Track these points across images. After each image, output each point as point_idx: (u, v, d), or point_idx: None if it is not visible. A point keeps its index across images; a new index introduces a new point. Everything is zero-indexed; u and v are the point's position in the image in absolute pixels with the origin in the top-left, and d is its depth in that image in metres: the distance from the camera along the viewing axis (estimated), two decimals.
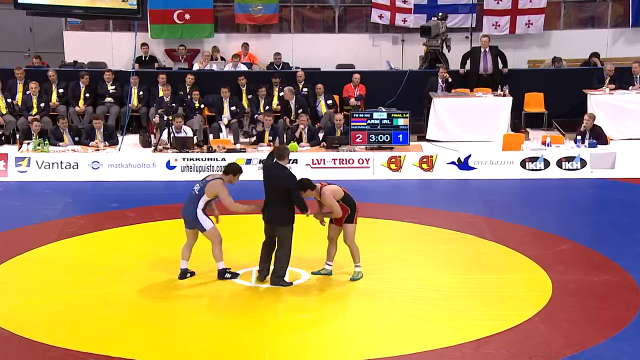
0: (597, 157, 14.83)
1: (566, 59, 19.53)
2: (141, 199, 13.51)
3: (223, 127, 16.99)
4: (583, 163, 14.79)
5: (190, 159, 14.82)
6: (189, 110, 17.11)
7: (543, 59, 20.19)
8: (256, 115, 16.96)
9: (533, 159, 14.82)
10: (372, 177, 14.76)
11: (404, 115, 15.21)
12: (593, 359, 8.10)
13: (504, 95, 17.07)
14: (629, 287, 9.74)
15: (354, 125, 15.16)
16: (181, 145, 15.05)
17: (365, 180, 14.57)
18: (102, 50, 20.27)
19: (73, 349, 8.30)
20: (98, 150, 15.22)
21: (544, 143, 15.14)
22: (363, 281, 9.92)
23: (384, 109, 15.78)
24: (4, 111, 17.15)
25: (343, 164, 14.85)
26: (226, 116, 17.10)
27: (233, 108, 17.15)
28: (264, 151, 14.98)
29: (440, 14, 18.82)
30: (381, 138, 15.12)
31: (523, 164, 14.84)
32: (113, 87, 17.72)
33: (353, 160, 14.87)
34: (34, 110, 17.06)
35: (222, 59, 19.88)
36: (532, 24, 20.15)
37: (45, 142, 15.04)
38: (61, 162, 14.83)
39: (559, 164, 14.81)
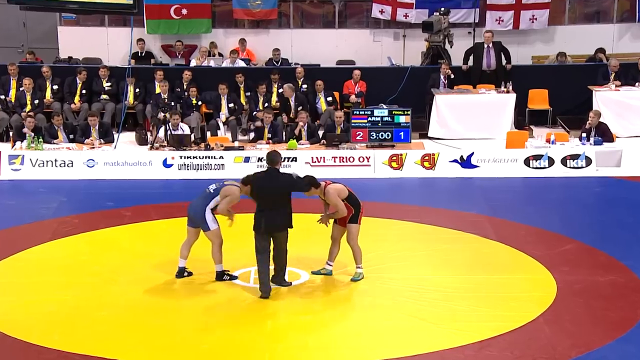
0: (603, 155, 14.83)
1: (571, 55, 19.53)
2: (137, 198, 13.50)
3: (221, 125, 16.99)
4: (588, 161, 14.79)
5: (188, 157, 14.82)
6: (186, 107, 17.11)
7: (547, 54, 20.18)
8: (255, 113, 16.96)
9: (537, 157, 14.83)
10: (372, 176, 14.76)
11: (406, 112, 15.22)
12: None
13: (508, 91, 17.08)
14: (635, 287, 9.74)
15: (355, 123, 15.16)
16: (178, 143, 15.05)
17: (366, 178, 14.57)
18: (97, 46, 20.26)
19: (68, 351, 8.30)
20: (93, 148, 15.21)
21: (548, 141, 15.14)
22: (363, 282, 9.93)
23: (385, 106, 15.77)
24: None
25: (343, 162, 14.86)
26: (224, 113, 17.10)
27: (231, 105, 17.16)
28: (262, 149, 14.99)
29: (442, 8, 18.81)
30: (382, 136, 15.12)
31: (527, 162, 14.84)
32: (109, 83, 17.71)
33: (353, 159, 14.87)
34: (28, 107, 17.06)
35: (220, 55, 19.87)
36: (536, 19, 20.15)
37: (40, 140, 15.04)
38: (55, 160, 14.84)
39: (564, 162, 14.81)
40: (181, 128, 15.46)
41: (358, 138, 15.14)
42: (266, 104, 17.22)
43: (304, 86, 17.79)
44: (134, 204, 13.17)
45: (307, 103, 17.29)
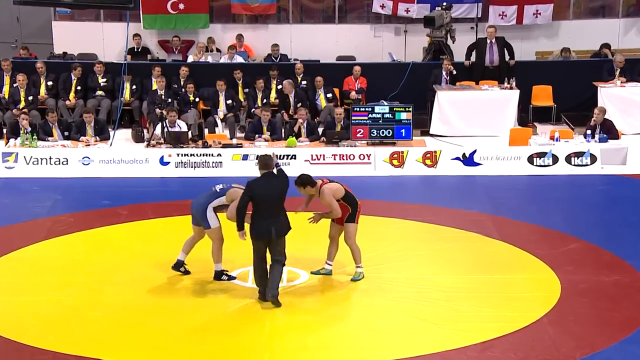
0: (608, 153, 14.83)
1: (576, 50, 19.52)
2: (134, 196, 13.51)
3: (219, 122, 16.99)
4: (593, 159, 14.80)
5: (185, 155, 14.83)
6: (183, 103, 17.11)
7: (551, 50, 20.18)
8: (253, 110, 16.96)
9: (541, 155, 14.83)
10: (373, 174, 14.77)
11: (407, 109, 15.21)
12: None
13: (511, 88, 17.08)
14: None
15: (355, 120, 15.16)
16: (175, 140, 15.05)
17: (367, 176, 14.58)
18: (93, 42, 20.24)
19: (63, 352, 8.31)
20: (89, 145, 15.21)
21: (552, 138, 15.15)
22: (364, 281, 9.94)
23: (385, 103, 15.77)
24: None
25: (343, 159, 14.86)
26: (222, 110, 17.10)
27: (229, 102, 17.16)
28: (261, 146, 15.01)
29: (444, 3, 18.79)
30: (383, 133, 15.13)
31: (530, 159, 14.85)
32: (104, 79, 17.71)
33: (354, 156, 14.88)
34: (22, 104, 17.05)
35: (218, 50, 19.86)
36: (540, 13, 20.14)
37: (34, 137, 15.05)
38: (50, 158, 14.84)
39: (568, 159, 14.82)
40: (178, 125, 15.46)
41: (358, 135, 15.15)
42: (264, 101, 17.22)
43: (304, 82, 17.79)
44: (130, 202, 13.17)
45: (307, 100, 17.29)
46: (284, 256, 9.41)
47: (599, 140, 15.03)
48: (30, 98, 17.14)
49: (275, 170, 9.42)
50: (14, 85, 17.27)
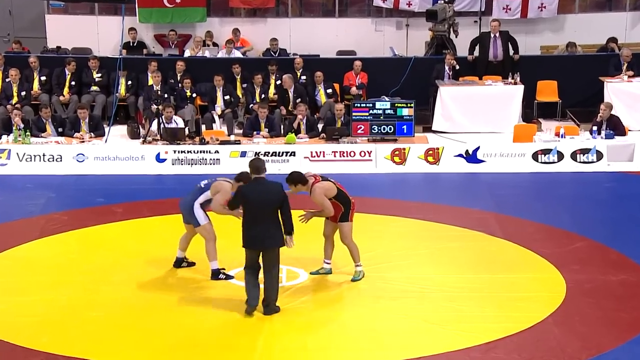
0: (614, 149, 14.84)
1: (581, 45, 19.52)
2: (129, 194, 13.52)
3: (216, 118, 16.99)
4: (599, 155, 14.81)
5: (182, 152, 14.83)
6: (180, 99, 17.11)
7: (557, 44, 20.17)
8: (251, 105, 16.96)
9: (546, 151, 14.84)
10: (374, 171, 14.77)
11: (409, 104, 15.22)
12: None
13: (515, 83, 17.08)
14: None
15: (356, 116, 15.16)
16: (172, 136, 15.05)
17: (367, 174, 14.59)
18: (87, 36, 20.24)
19: (57, 354, 8.32)
20: (83, 141, 15.22)
21: (557, 134, 15.15)
22: (364, 281, 9.94)
23: (387, 98, 15.78)
24: None
25: (344, 156, 14.87)
26: (219, 106, 17.10)
27: (227, 97, 17.16)
28: (259, 143, 15.01)
29: None
30: (384, 129, 15.13)
31: (535, 156, 14.85)
32: (99, 74, 17.71)
33: (354, 153, 14.88)
34: (14, 99, 17.05)
35: (215, 44, 19.86)
36: (545, 7, 20.13)
37: (27, 133, 15.04)
38: (44, 155, 14.84)
39: (574, 156, 14.82)
40: (175, 121, 15.46)
41: (359, 132, 15.15)
42: (263, 96, 17.22)
43: (303, 77, 17.78)
44: (126, 200, 13.18)
45: (306, 95, 17.29)
46: (277, 268, 9.16)
47: (605, 136, 15.03)
48: (23, 93, 17.14)
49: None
50: (7, 80, 17.27)
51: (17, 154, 14.79)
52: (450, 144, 15.27)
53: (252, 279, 9.17)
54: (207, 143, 14.99)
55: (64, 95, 17.49)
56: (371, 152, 14.88)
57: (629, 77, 17.22)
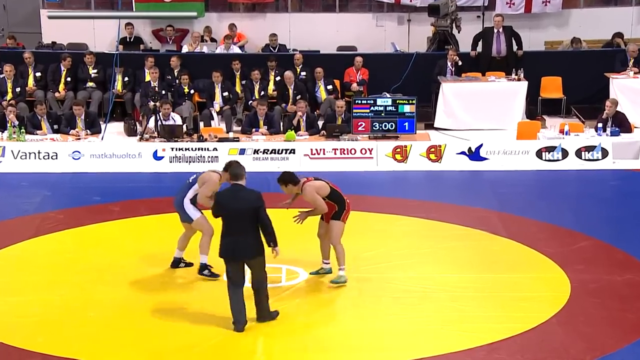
0: (620, 147, 14.84)
1: (586, 40, 19.51)
2: (126, 192, 13.53)
3: (214, 115, 16.99)
4: (604, 153, 14.81)
5: (179, 149, 14.83)
6: (177, 96, 17.12)
7: (561, 40, 20.18)
8: (250, 102, 16.97)
9: (550, 149, 14.84)
10: (375, 169, 14.78)
11: (410, 101, 15.23)
12: None
13: (519, 79, 17.08)
14: None
15: (356, 113, 15.17)
16: (169, 133, 15.06)
17: (368, 171, 14.59)
18: (83, 31, 20.22)
19: (52, 354, 8.32)
20: (79, 139, 15.22)
21: (561, 131, 15.15)
22: (365, 281, 9.94)
23: (388, 95, 15.78)
24: None
25: (344, 154, 14.87)
26: (218, 102, 17.10)
27: (225, 94, 17.15)
28: (258, 140, 15.02)
29: None
30: (385, 126, 15.14)
31: (539, 154, 14.85)
32: (95, 71, 17.71)
33: (355, 150, 14.89)
34: (9, 96, 17.06)
35: (214, 40, 19.87)
36: (549, 2, 20.14)
37: (22, 131, 15.05)
38: (39, 152, 14.85)
39: (578, 154, 14.83)
40: (172, 118, 15.47)
41: (360, 129, 15.15)
42: (262, 93, 17.23)
43: (303, 74, 17.78)
44: (123, 198, 13.19)
45: (306, 92, 17.29)
46: (265, 283, 8.85)
47: (610, 133, 15.03)
48: (18, 90, 17.15)
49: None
50: (1, 76, 17.26)
51: (12, 151, 14.79)
52: (452, 142, 15.28)
53: (232, 293, 8.77)
54: (205, 140, 15.00)
55: (59, 92, 17.49)
56: (372, 149, 14.88)
57: (635, 73, 17.22)
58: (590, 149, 14.82)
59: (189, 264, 10.27)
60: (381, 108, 15.15)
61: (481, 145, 14.91)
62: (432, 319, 9.03)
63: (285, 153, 14.72)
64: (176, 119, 15.57)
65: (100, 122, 16.01)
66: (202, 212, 9.96)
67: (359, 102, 15.34)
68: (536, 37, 20.16)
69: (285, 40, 20.10)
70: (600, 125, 15.15)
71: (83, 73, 17.73)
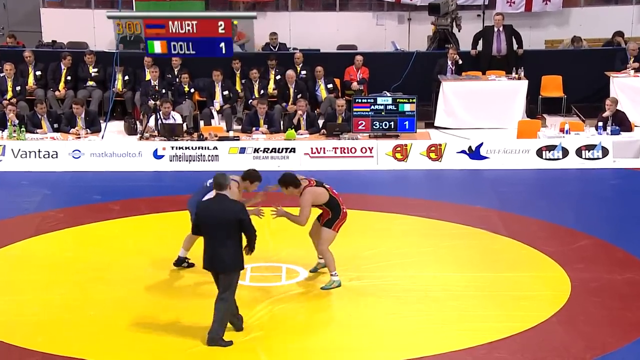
0: (620, 145, 14.84)
1: (587, 39, 19.51)
2: (126, 191, 13.52)
3: (215, 113, 16.98)
4: (605, 152, 14.81)
5: (180, 148, 14.83)
6: (177, 94, 17.11)
7: (562, 38, 20.17)
8: (250, 101, 16.96)
9: (550, 148, 14.84)
10: (375, 167, 14.78)
11: (411, 100, 15.22)
12: None
13: (519, 78, 17.07)
14: None
15: (357, 111, 15.16)
16: (169, 132, 15.06)
17: (369, 170, 14.59)
18: (83, 30, 20.22)
19: (53, 353, 8.33)
20: (79, 137, 15.22)
21: (562, 130, 15.16)
22: (365, 280, 9.95)
23: (388, 94, 15.78)
24: None
25: (344, 153, 14.87)
26: (218, 101, 17.09)
27: (225, 93, 17.14)
28: (259, 139, 15.02)
29: None
30: (386, 125, 15.13)
31: (539, 152, 14.86)
32: (95, 69, 17.69)
33: (355, 149, 14.89)
34: (9, 95, 17.05)
35: None
36: (550, 0, 20.12)
37: (22, 129, 15.05)
38: (39, 151, 14.85)
39: (579, 152, 14.83)
40: (172, 117, 15.47)
41: (360, 128, 15.15)
42: (262, 92, 17.22)
43: (303, 72, 17.77)
44: (123, 197, 13.18)
45: (307, 90, 17.29)
46: (228, 297, 8.54)
47: (611, 132, 15.03)
48: (18, 88, 17.14)
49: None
50: (1, 75, 17.25)
51: (12, 150, 14.79)
52: (453, 140, 15.28)
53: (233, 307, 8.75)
54: (206, 139, 15.00)
55: (59, 91, 17.48)
56: (372, 148, 14.88)
57: (635, 71, 17.21)
58: (590, 147, 14.82)
59: (191, 265, 10.25)
60: (381, 107, 15.15)
61: (481, 144, 14.91)
62: (432, 317, 9.04)
63: (286, 152, 14.71)
64: (176, 117, 15.57)
65: (101, 121, 16.01)
66: None
67: (359, 101, 15.33)
68: (536, 36, 20.14)
69: (286, 39, 20.08)
70: (600, 124, 15.15)
71: (83, 72, 17.72)
